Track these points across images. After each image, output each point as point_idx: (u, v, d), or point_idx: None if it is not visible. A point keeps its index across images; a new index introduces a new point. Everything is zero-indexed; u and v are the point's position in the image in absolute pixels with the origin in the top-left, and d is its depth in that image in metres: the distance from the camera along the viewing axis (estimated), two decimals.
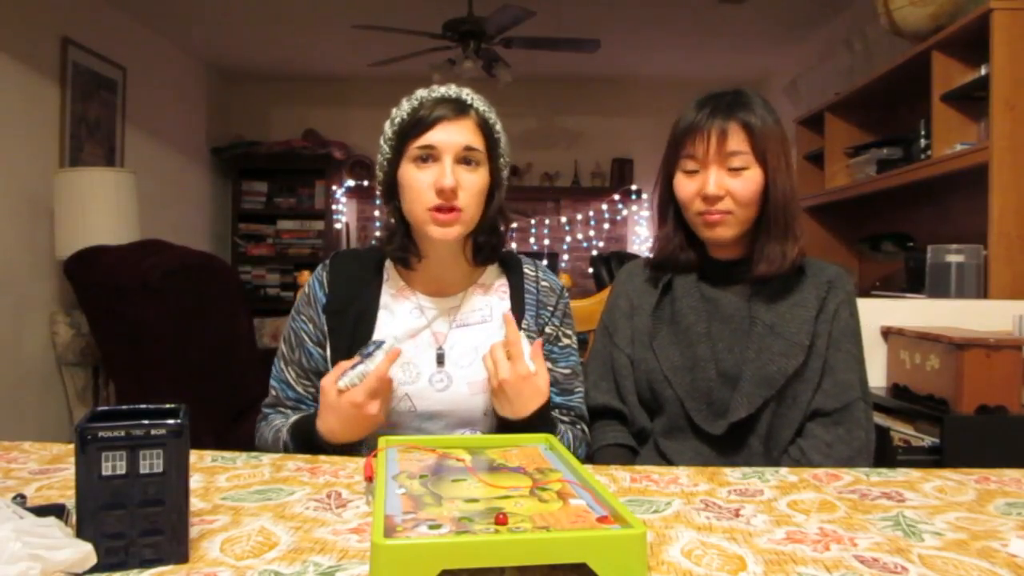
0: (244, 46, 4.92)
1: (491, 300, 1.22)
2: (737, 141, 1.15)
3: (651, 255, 1.31)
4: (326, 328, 1.19)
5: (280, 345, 1.25)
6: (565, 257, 5.78)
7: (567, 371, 1.24)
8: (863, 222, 3.54)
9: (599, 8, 4.09)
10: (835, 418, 1.15)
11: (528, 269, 1.26)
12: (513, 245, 5.73)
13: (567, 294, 1.29)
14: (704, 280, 1.25)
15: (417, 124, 1.10)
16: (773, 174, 1.16)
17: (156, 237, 3.18)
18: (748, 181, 1.16)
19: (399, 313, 1.20)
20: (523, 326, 1.19)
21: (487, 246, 1.20)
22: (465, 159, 1.11)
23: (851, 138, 3.43)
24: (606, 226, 5.77)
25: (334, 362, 1.16)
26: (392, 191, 1.17)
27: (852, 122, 3.47)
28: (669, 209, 1.27)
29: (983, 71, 2.36)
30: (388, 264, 1.24)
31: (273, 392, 1.24)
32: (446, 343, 1.18)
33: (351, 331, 1.17)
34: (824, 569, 0.66)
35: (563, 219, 5.79)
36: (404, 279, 1.23)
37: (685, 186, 1.20)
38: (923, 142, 2.71)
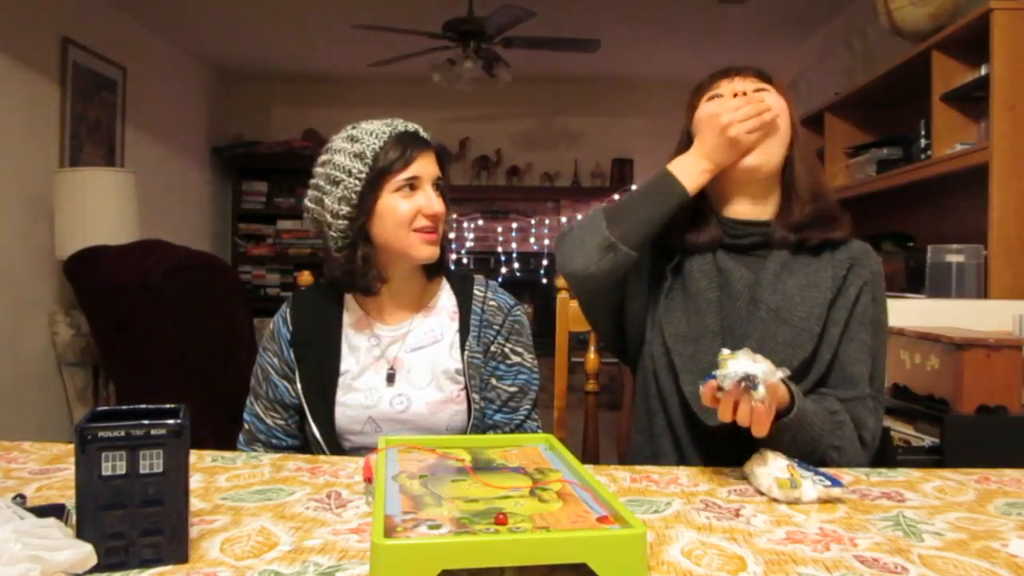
0: (244, 46, 4.91)
1: (442, 321, 1.27)
2: (759, 82, 1.16)
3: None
4: (294, 361, 1.24)
5: (251, 381, 1.30)
6: None
7: (513, 389, 1.26)
8: (863, 222, 3.50)
9: (599, 8, 4.09)
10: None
11: (477, 290, 1.30)
12: (513, 245, 5.75)
13: (520, 312, 1.31)
14: (719, 247, 1.16)
15: (400, 157, 1.17)
16: (795, 117, 1.15)
17: (156, 237, 3.17)
18: (777, 96, 1.14)
19: (359, 345, 1.25)
20: (466, 346, 1.24)
21: (440, 260, 1.27)
22: (436, 186, 1.21)
23: (851, 138, 3.42)
24: None
25: (305, 394, 1.22)
26: (364, 222, 1.17)
27: (852, 122, 3.46)
28: None
29: (983, 71, 2.36)
30: (348, 296, 1.29)
31: (246, 426, 1.29)
32: (402, 366, 1.23)
33: (317, 362, 1.23)
34: (824, 569, 0.66)
35: (563, 219, 5.79)
36: (363, 308, 1.27)
37: (716, 104, 1.14)
38: (923, 142, 2.71)
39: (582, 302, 1.27)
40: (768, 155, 1.12)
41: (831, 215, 1.13)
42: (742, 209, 1.16)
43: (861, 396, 1.08)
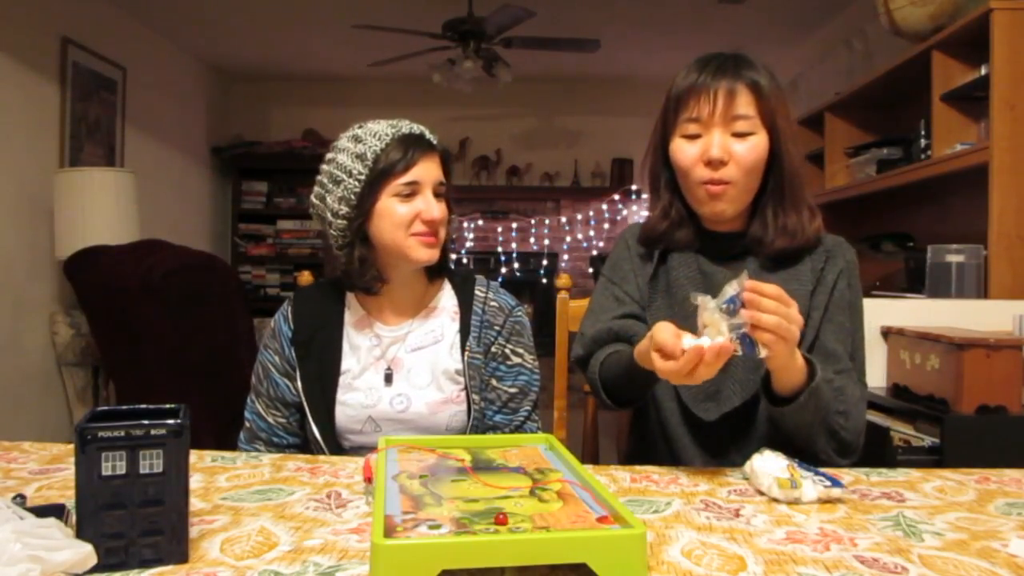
0: (244, 46, 4.92)
1: (443, 321, 1.27)
2: (745, 103, 1.08)
3: (642, 231, 1.23)
4: (295, 359, 1.24)
5: (252, 379, 1.30)
6: (565, 257, 5.78)
7: (513, 390, 1.26)
8: (863, 222, 3.54)
9: (599, 8, 4.09)
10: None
11: (479, 290, 1.29)
12: (513, 245, 5.75)
13: (521, 312, 1.31)
14: (701, 253, 1.19)
15: (400, 161, 1.16)
16: (782, 138, 1.10)
17: (156, 237, 3.18)
18: (753, 147, 1.09)
19: (360, 345, 1.25)
20: (466, 346, 1.24)
21: (441, 262, 1.27)
22: (437, 192, 1.20)
23: (851, 138, 3.42)
24: (606, 226, 5.77)
25: (305, 392, 1.22)
26: (363, 223, 1.18)
27: (852, 122, 3.46)
28: (661, 181, 1.20)
29: (983, 71, 2.36)
30: (350, 295, 1.29)
31: (247, 424, 1.29)
32: (401, 367, 1.24)
33: (318, 361, 1.23)
34: (824, 569, 0.66)
35: (563, 219, 5.79)
36: (364, 307, 1.27)
37: (685, 151, 1.11)
38: (923, 142, 2.71)
39: None
40: (736, 203, 1.13)
41: (806, 245, 1.15)
42: (724, 225, 1.19)
43: (846, 369, 1.10)
